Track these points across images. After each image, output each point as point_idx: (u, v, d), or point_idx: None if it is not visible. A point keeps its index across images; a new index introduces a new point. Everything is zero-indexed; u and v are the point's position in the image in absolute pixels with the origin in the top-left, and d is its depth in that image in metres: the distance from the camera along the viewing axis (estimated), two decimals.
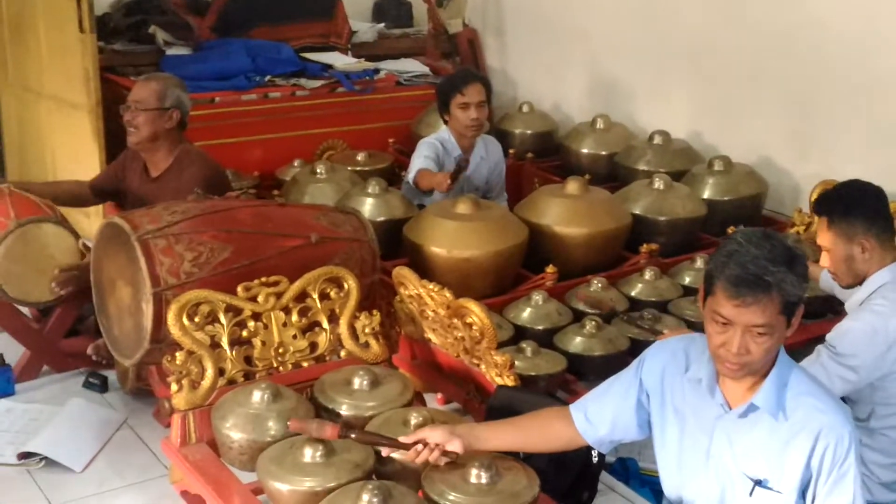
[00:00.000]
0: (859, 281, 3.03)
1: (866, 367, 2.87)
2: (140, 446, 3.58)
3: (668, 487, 2.49)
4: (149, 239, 3.13)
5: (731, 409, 2.32)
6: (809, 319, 3.69)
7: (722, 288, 2.17)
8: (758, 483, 2.28)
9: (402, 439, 2.53)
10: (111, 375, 3.94)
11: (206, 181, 3.75)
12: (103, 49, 5.33)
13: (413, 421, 2.73)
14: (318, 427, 2.60)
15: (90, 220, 5.00)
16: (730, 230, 4.13)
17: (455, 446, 2.49)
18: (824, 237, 3.02)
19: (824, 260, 3.05)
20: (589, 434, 2.52)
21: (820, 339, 3.52)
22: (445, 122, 4.57)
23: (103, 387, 3.92)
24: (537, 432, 2.58)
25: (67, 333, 4.06)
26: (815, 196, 4.25)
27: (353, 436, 2.59)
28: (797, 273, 2.17)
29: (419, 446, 2.49)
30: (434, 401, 3.73)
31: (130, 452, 3.54)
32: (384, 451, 2.60)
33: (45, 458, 3.43)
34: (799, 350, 3.03)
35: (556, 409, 2.62)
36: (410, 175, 4.42)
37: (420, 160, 4.38)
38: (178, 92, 3.94)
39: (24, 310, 4.08)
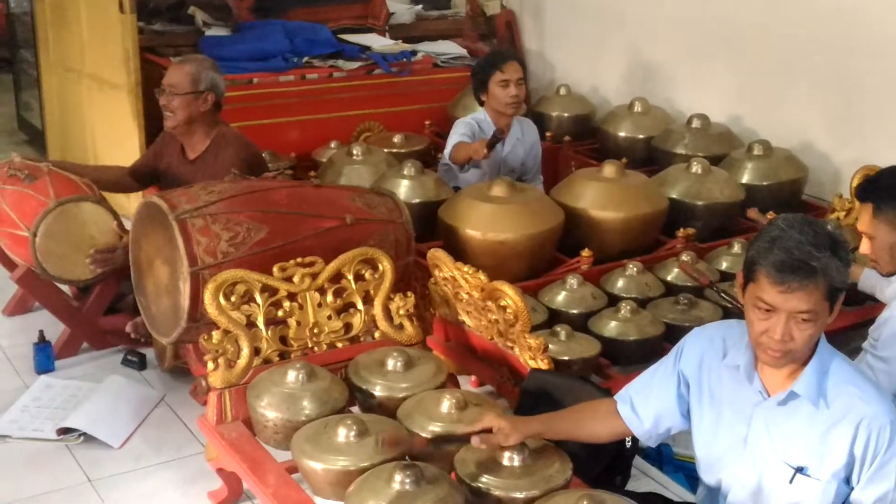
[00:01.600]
0: None
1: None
2: (177, 424, 3.63)
3: (704, 474, 2.47)
4: (186, 218, 3.16)
5: (769, 396, 2.29)
6: (849, 306, 3.65)
7: (766, 274, 2.15)
8: (798, 470, 2.26)
9: (474, 442, 2.49)
10: (149, 353, 4.00)
11: (242, 163, 3.78)
12: (143, 29, 5.37)
13: (447, 403, 2.74)
14: (408, 437, 2.59)
15: (129, 200, 5.04)
16: (768, 215, 4.07)
17: (512, 441, 2.49)
18: (868, 224, 2.95)
19: (864, 246, 2.99)
20: (635, 427, 2.51)
21: (858, 326, 3.51)
22: (481, 104, 4.57)
23: (141, 364, 3.98)
24: (592, 424, 2.57)
25: (106, 311, 4.13)
26: (856, 181, 4.20)
27: (440, 445, 2.61)
28: (841, 258, 2.14)
29: (476, 439, 2.48)
30: (468, 383, 3.74)
31: (167, 430, 3.59)
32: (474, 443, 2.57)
33: (84, 433, 3.50)
34: (837, 336, 3.00)
35: (606, 401, 2.61)
36: (447, 151, 4.42)
37: (456, 136, 4.41)
38: (211, 74, 3.95)
39: (64, 288, 4.15)
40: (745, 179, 4.54)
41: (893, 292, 3.02)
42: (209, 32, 5.55)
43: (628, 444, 2.89)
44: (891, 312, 2.89)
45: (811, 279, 2.11)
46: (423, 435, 2.66)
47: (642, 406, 2.49)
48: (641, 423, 2.50)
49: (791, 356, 2.21)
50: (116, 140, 5.22)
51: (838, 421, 2.21)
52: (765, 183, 4.54)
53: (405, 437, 2.57)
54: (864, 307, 3.67)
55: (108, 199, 4.08)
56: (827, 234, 2.15)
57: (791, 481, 2.27)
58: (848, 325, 3.60)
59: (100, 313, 4.09)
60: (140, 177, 4.26)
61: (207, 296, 3.02)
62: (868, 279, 3.41)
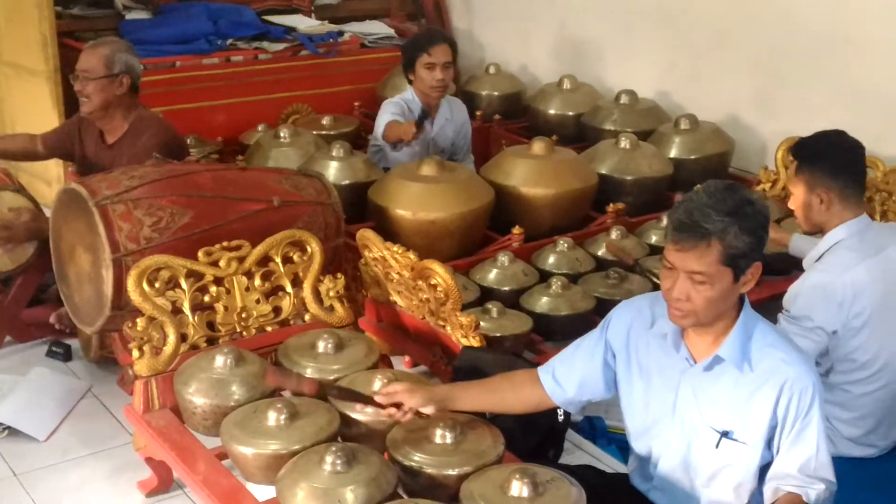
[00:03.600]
0: (815, 230, 3.03)
1: (819, 327, 2.86)
2: (104, 414, 3.56)
3: (636, 443, 2.49)
4: (107, 205, 3.09)
5: (695, 362, 2.32)
6: (775, 276, 3.70)
7: (668, 233, 2.23)
8: (724, 434, 2.28)
9: (378, 399, 2.51)
10: (74, 344, 3.91)
11: (162, 147, 3.69)
12: (61, 14, 5.24)
13: (378, 383, 2.72)
14: (297, 381, 2.56)
15: (51, 188, 4.93)
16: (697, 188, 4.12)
17: (429, 410, 2.50)
18: (790, 179, 3.04)
19: (792, 202, 3.05)
20: (557, 395, 2.52)
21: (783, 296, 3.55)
22: (410, 82, 4.53)
23: (66, 355, 3.89)
24: (509, 394, 2.58)
25: (30, 303, 4.02)
26: (780, 153, 4.26)
27: (334, 393, 2.58)
28: (744, 226, 2.16)
29: (393, 409, 2.48)
30: (402, 364, 3.72)
31: (94, 421, 3.52)
32: (357, 407, 2.59)
33: (8, 427, 3.41)
34: (763, 306, 3.03)
35: (526, 371, 2.62)
36: (378, 130, 4.39)
37: (387, 116, 4.37)
38: (125, 56, 3.85)
39: None
40: (672, 154, 4.58)
41: (810, 260, 3.05)
42: (130, 16, 5.43)
43: (561, 418, 2.91)
44: (801, 283, 2.93)
45: (703, 240, 2.16)
46: (359, 425, 2.65)
47: (565, 375, 2.50)
48: (564, 391, 2.51)
49: (694, 318, 2.24)
50: (36, 127, 5.01)
51: (762, 384, 2.24)
52: (692, 157, 4.59)
53: (292, 374, 2.55)
54: (792, 276, 3.71)
55: (29, 187, 3.98)
56: (740, 201, 2.18)
57: (717, 446, 2.29)
58: (774, 295, 3.64)
59: (23, 305, 3.99)
60: (52, 148, 4.13)
61: (131, 283, 2.96)
62: (797, 244, 3.46)
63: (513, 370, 2.70)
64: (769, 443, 2.27)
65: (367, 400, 2.54)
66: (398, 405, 2.48)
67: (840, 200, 2.92)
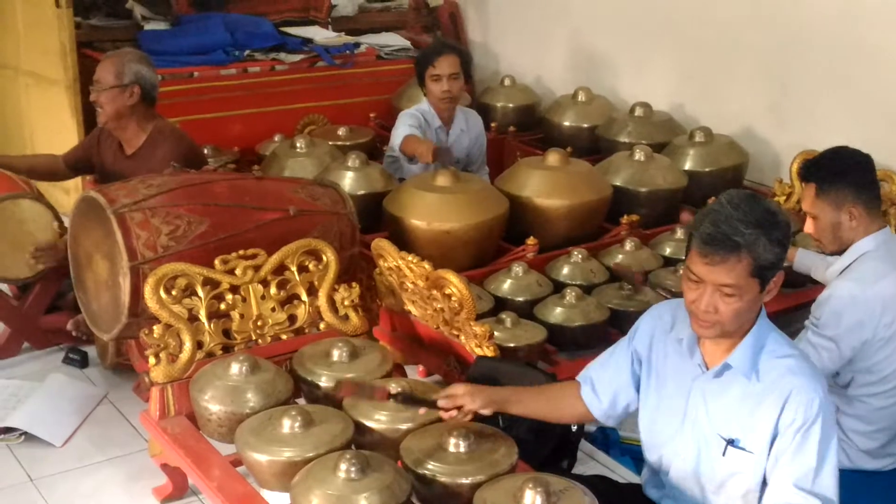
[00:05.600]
0: (844, 248, 3.01)
1: (846, 337, 2.86)
2: (120, 421, 3.59)
3: (648, 449, 2.49)
4: (125, 212, 3.12)
5: (708, 369, 2.32)
6: (791, 289, 3.70)
7: (695, 245, 2.20)
8: (730, 442, 2.28)
9: (441, 404, 2.51)
10: (91, 351, 3.94)
11: (180, 157, 3.72)
12: (80, 24, 5.29)
13: (392, 392, 2.73)
14: (369, 392, 2.55)
15: (69, 196, 4.97)
16: (684, 215, 4.17)
17: (488, 411, 2.51)
18: (811, 204, 2.99)
19: (808, 226, 3.03)
20: (594, 407, 2.52)
21: (801, 308, 3.55)
22: (426, 95, 4.56)
23: (83, 362, 3.92)
24: (562, 404, 2.58)
25: (47, 310, 4.05)
26: (795, 166, 4.26)
27: (399, 399, 2.59)
28: (772, 237, 2.16)
29: (454, 411, 2.50)
30: (415, 373, 3.74)
31: (110, 427, 3.55)
32: (421, 412, 2.60)
33: (25, 433, 3.44)
34: (778, 317, 3.04)
35: (571, 384, 2.61)
36: (396, 142, 4.41)
37: (405, 128, 4.38)
38: (136, 66, 3.88)
39: (4, 287, 4.07)
40: (687, 166, 4.58)
41: (834, 272, 3.05)
42: (148, 27, 5.48)
43: (574, 428, 2.92)
44: (831, 291, 2.92)
45: (734, 254, 2.15)
46: (372, 434, 2.65)
47: (601, 385, 2.51)
48: (600, 402, 2.51)
49: (720, 328, 2.23)
50: (55, 136, 5.13)
51: (769, 393, 2.24)
52: (707, 169, 4.59)
53: (366, 385, 2.54)
54: (806, 289, 3.72)
55: (46, 195, 4.02)
56: (764, 213, 2.18)
57: (724, 454, 2.29)
58: (789, 307, 3.65)
59: (40, 312, 4.02)
60: (74, 166, 4.19)
61: (148, 290, 2.98)
62: (803, 259, 3.46)
63: (527, 380, 2.71)
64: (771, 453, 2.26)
65: (430, 404, 2.55)
66: (459, 407, 2.50)
67: (867, 214, 2.93)
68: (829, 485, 2.20)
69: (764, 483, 2.27)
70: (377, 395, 2.55)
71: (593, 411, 2.53)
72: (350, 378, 2.59)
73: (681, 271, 3.63)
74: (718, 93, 5.04)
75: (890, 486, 2.92)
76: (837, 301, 2.88)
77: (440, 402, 2.51)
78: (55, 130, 5.15)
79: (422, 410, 2.61)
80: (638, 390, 2.48)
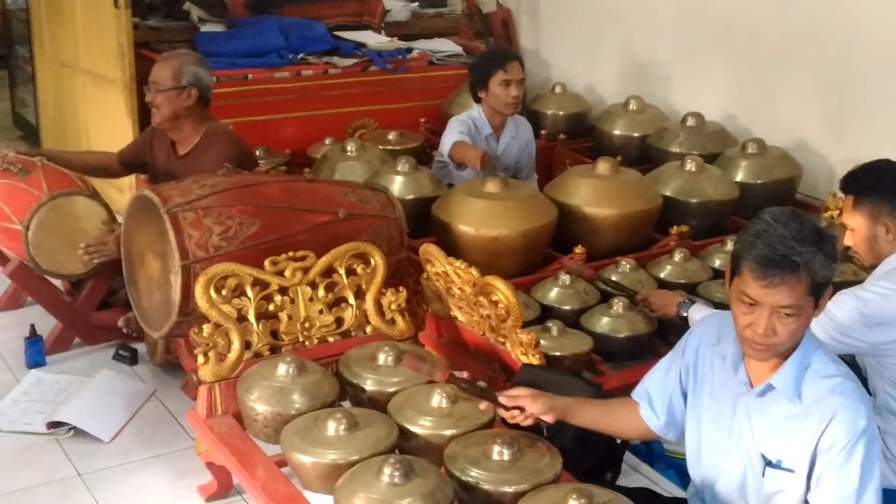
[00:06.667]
0: (880, 262, 2.98)
1: (855, 341, 2.81)
2: (167, 418, 3.63)
3: (693, 464, 2.46)
4: (178, 212, 3.16)
5: (752, 386, 2.29)
6: None
7: (749, 268, 2.14)
8: (773, 462, 2.25)
9: (502, 400, 2.51)
10: (141, 348, 4.00)
11: (232, 158, 3.76)
12: (138, 25, 5.36)
13: (437, 398, 2.74)
14: (430, 367, 2.52)
15: (123, 195, 5.05)
16: None
17: (549, 417, 2.49)
18: (849, 216, 2.96)
19: (848, 239, 3.00)
20: (653, 423, 2.50)
21: None
22: (477, 101, 4.55)
23: (133, 359, 3.97)
24: (623, 419, 2.55)
25: (99, 306, 4.12)
26: None
27: (462, 385, 2.59)
28: (826, 253, 2.13)
29: (516, 411, 2.49)
30: None
31: (158, 424, 3.59)
32: (482, 405, 2.59)
33: (74, 427, 3.49)
34: None
35: (630, 401, 2.58)
36: (445, 148, 4.41)
37: (454, 134, 4.38)
38: (194, 68, 3.93)
39: (57, 282, 4.14)
40: (738, 178, 4.54)
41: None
42: (204, 28, 5.54)
43: (619, 440, 2.89)
44: (848, 296, 2.85)
45: (793, 274, 2.10)
46: (417, 439, 2.66)
47: (657, 402, 2.49)
48: (658, 419, 2.49)
49: (775, 350, 2.20)
50: (111, 135, 5.21)
51: (812, 413, 2.20)
52: (759, 181, 4.54)
53: (429, 358, 2.52)
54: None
55: (101, 193, 4.08)
56: (813, 229, 2.14)
57: (764, 473, 2.26)
58: None
59: (92, 308, 4.09)
60: (128, 164, 4.26)
61: (198, 289, 3.02)
62: None
63: (572, 389, 2.69)
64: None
65: (492, 398, 2.54)
66: (521, 408, 2.49)
67: None
68: None
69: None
70: (439, 374, 2.51)
71: (652, 427, 2.50)
72: (416, 350, 2.55)
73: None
74: (772, 104, 4.98)
75: None
76: (852, 305, 2.81)
77: (502, 399, 2.50)
78: (111, 129, 5.23)
79: (483, 405, 2.59)
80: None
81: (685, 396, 2.45)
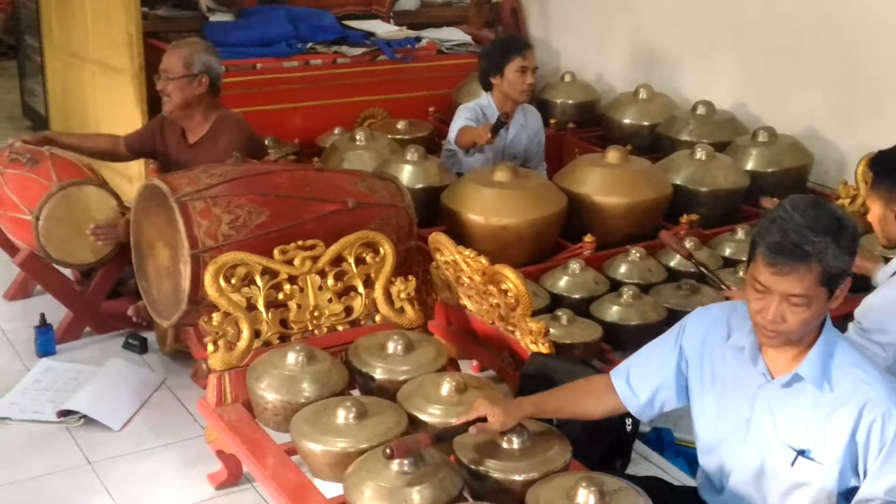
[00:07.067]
0: (892, 244, 2.98)
1: (892, 342, 2.81)
2: (177, 407, 3.63)
3: (705, 454, 2.45)
4: (187, 201, 3.15)
5: (773, 378, 2.28)
6: (854, 293, 3.63)
7: (761, 254, 2.14)
8: (801, 453, 2.24)
9: (471, 431, 2.47)
10: (150, 337, 4.00)
11: (242, 147, 3.75)
12: (147, 14, 5.36)
13: (446, 387, 2.73)
14: (415, 444, 2.47)
15: (132, 184, 5.05)
16: (764, 201, 4.05)
17: (508, 425, 2.48)
18: (868, 194, 3.02)
19: (871, 216, 3.02)
20: (630, 402, 2.49)
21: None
22: (487, 89, 4.54)
23: (142, 348, 3.98)
24: (585, 400, 2.55)
25: (108, 295, 4.12)
26: (861, 168, 4.18)
27: (438, 442, 2.52)
28: (841, 244, 2.11)
29: (474, 429, 2.47)
30: (469, 367, 3.74)
31: (168, 412, 3.60)
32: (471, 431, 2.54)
33: (84, 416, 3.50)
34: (841, 320, 2.98)
35: (600, 377, 2.60)
36: (452, 135, 4.41)
37: (461, 121, 4.40)
38: (205, 57, 3.92)
39: (66, 272, 4.14)
40: (749, 166, 4.53)
41: (884, 275, 3.01)
42: (213, 18, 5.54)
43: (629, 428, 2.89)
44: (877, 296, 2.88)
45: (804, 263, 2.09)
46: (426, 432, 2.64)
47: (639, 381, 2.48)
48: (637, 397, 2.48)
49: (785, 337, 2.19)
50: (120, 125, 5.18)
51: (842, 404, 2.19)
52: (769, 170, 4.52)
53: (412, 441, 2.53)
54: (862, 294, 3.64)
55: (110, 182, 4.08)
56: (832, 218, 2.12)
57: (793, 464, 2.25)
58: (851, 311, 3.57)
59: (102, 297, 4.09)
60: (135, 150, 4.25)
61: (208, 278, 3.02)
62: (883, 276, 3.38)
63: (580, 378, 2.69)
64: (850, 465, 2.21)
65: (463, 429, 2.50)
66: (483, 419, 2.47)
67: None
68: None
69: (833, 495, 2.24)
70: (422, 443, 2.49)
71: (629, 405, 2.50)
72: (396, 440, 2.54)
73: (741, 272, 3.62)
74: (783, 92, 4.96)
75: None
76: (881, 306, 2.84)
77: (471, 430, 2.47)
78: (120, 119, 5.22)
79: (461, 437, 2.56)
80: (681, 390, 2.45)
81: (684, 387, 2.44)
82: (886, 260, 3.11)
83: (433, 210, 4.08)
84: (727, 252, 3.96)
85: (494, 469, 2.46)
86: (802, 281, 2.11)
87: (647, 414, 2.52)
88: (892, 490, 2.16)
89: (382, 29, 5.79)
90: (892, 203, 2.89)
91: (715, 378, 2.38)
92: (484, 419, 2.45)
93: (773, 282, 2.13)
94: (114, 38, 5.15)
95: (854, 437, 2.18)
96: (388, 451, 2.36)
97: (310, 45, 5.49)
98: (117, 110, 5.26)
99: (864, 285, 3.53)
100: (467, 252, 3.31)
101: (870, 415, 2.16)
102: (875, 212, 2.95)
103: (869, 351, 2.80)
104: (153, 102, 4.88)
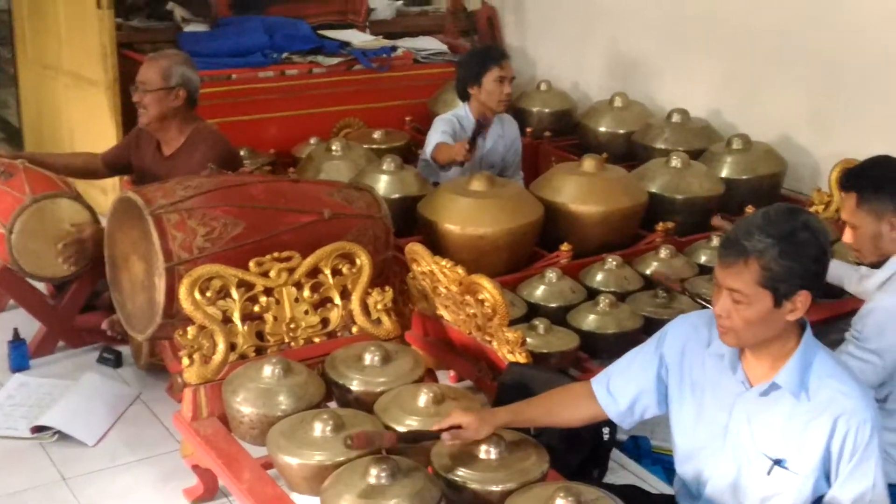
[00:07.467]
0: (883, 259, 2.96)
1: (889, 350, 2.81)
2: (153, 421, 3.60)
3: (682, 462, 2.46)
4: (162, 213, 3.13)
5: (751, 386, 2.29)
6: (828, 299, 3.66)
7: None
8: (777, 462, 2.25)
9: (444, 438, 2.47)
10: (125, 351, 3.97)
11: (217, 159, 3.73)
12: (121, 25, 5.34)
13: (423, 398, 2.73)
14: (379, 440, 2.51)
15: (107, 197, 5.01)
16: (715, 220, 4.13)
17: (482, 434, 2.47)
18: (852, 214, 2.94)
19: (847, 236, 2.99)
20: (610, 409, 2.50)
21: (839, 319, 3.50)
22: (464, 99, 4.54)
23: (117, 362, 3.95)
24: (564, 409, 2.56)
25: (82, 309, 4.09)
26: (834, 175, 4.20)
27: (404, 446, 2.57)
28: (786, 251, 2.12)
29: (447, 436, 2.46)
30: (446, 378, 3.73)
31: (143, 427, 3.57)
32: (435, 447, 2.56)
33: (59, 431, 3.47)
34: (816, 328, 2.99)
35: (579, 385, 2.60)
36: (428, 149, 4.40)
37: (437, 135, 4.37)
38: (183, 69, 3.90)
39: (40, 285, 4.11)
40: (724, 173, 4.55)
41: (874, 284, 3.01)
42: (188, 28, 5.52)
43: (606, 437, 2.89)
44: (874, 304, 2.88)
45: (741, 258, 2.15)
46: (395, 430, 2.64)
47: (619, 388, 2.48)
48: (617, 404, 2.48)
49: (735, 336, 2.22)
50: (94, 137, 5.18)
51: (818, 414, 2.20)
52: (744, 177, 4.54)
53: (375, 435, 2.54)
54: (843, 300, 3.67)
55: (85, 195, 4.05)
56: (792, 226, 2.14)
57: (769, 473, 2.26)
58: (825, 318, 3.60)
59: (76, 311, 4.06)
60: (112, 165, 4.22)
61: (183, 291, 3.00)
62: (835, 270, 3.40)
63: (558, 387, 2.69)
64: (825, 476, 2.23)
65: (435, 437, 2.51)
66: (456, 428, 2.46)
67: None
68: (883, 499, 2.21)
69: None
70: (386, 441, 2.51)
71: (609, 413, 2.50)
72: (359, 431, 2.55)
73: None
74: (757, 100, 4.99)
75: None
76: (881, 314, 2.83)
77: (444, 437, 2.47)
78: (94, 130, 5.20)
79: (431, 446, 2.57)
80: (661, 397, 2.45)
81: (661, 390, 2.45)
82: (870, 265, 3.10)
83: (410, 220, 4.07)
84: (702, 259, 3.98)
85: (472, 480, 2.45)
86: (740, 276, 2.15)
87: (627, 421, 2.52)
88: (859, 499, 2.18)
89: (358, 38, 5.78)
90: (885, 216, 2.88)
91: (694, 386, 2.38)
92: (458, 428, 2.45)
93: (720, 275, 2.20)
94: (88, 49, 5.13)
95: (829, 447, 2.19)
96: (348, 440, 2.39)
97: (285, 54, 5.48)
98: (91, 122, 5.24)
99: (836, 290, 3.56)
100: (444, 262, 3.31)
101: (844, 425, 2.17)
102: (864, 230, 2.91)
103: (862, 361, 2.81)
104: (128, 114, 4.86)
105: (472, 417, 2.45)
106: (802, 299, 2.17)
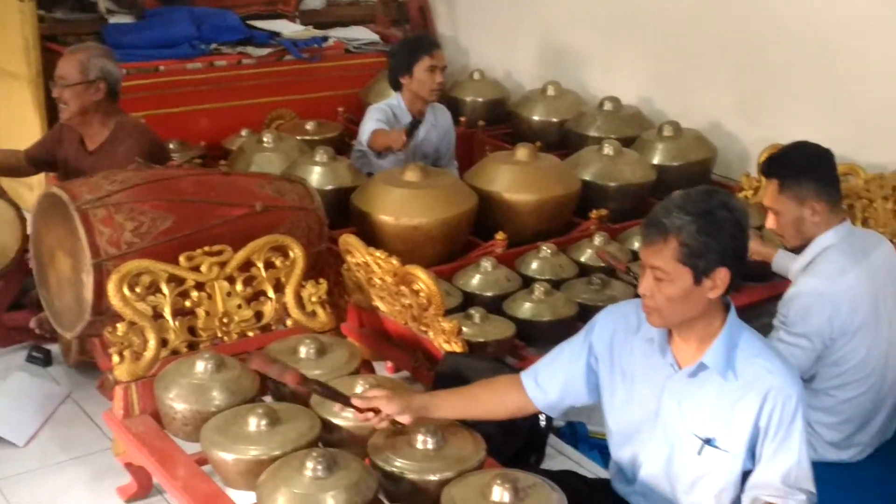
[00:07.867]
0: (806, 243, 3.01)
1: (817, 332, 2.87)
2: (84, 420, 3.55)
3: (617, 449, 2.49)
4: (88, 209, 3.08)
5: (680, 368, 2.32)
6: (758, 282, 3.72)
7: None
8: (707, 442, 2.28)
9: (355, 402, 2.49)
10: (55, 349, 3.90)
11: (143, 154, 3.66)
12: (44, 18, 5.20)
13: (359, 389, 2.71)
14: (280, 370, 2.50)
15: (33, 193, 4.90)
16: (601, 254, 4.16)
17: (405, 419, 2.48)
18: (773, 199, 2.99)
19: (770, 221, 3.04)
20: (539, 400, 2.51)
21: (769, 301, 3.56)
22: (397, 89, 4.52)
23: (46, 360, 3.88)
24: (489, 399, 2.57)
25: (10, 307, 4.00)
26: (762, 161, 4.26)
27: (315, 388, 2.53)
28: (703, 227, 2.17)
29: (370, 413, 2.46)
30: (384, 369, 3.72)
31: (74, 426, 3.51)
32: (336, 407, 2.59)
33: None
34: (746, 311, 3.04)
35: (507, 377, 2.62)
36: (363, 138, 4.38)
37: (372, 123, 4.35)
38: (102, 62, 3.82)
39: None
40: (655, 160, 4.59)
41: (798, 267, 3.06)
42: (113, 20, 5.40)
43: (543, 424, 2.91)
44: (798, 288, 2.93)
45: (662, 236, 2.19)
46: (341, 431, 2.63)
47: (548, 378, 2.50)
48: (546, 395, 2.50)
49: (659, 315, 2.26)
50: (18, 132, 5.06)
51: (746, 393, 2.24)
52: (675, 163, 4.60)
53: (278, 364, 2.49)
54: (772, 283, 3.73)
55: (10, 191, 3.96)
56: (710, 204, 2.19)
57: (700, 453, 2.29)
58: (757, 301, 3.66)
59: (3, 309, 3.97)
60: (36, 162, 4.12)
61: (111, 287, 2.95)
62: (781, 261, 3.46)
63: (495, 376, 2.70)
64: (749, 452, 2.27)
65: (346, 401, 2.51)
66: (376, 410, 2.47)
67: (829, 208, 2.93)
68: (809, 477, 2.25)
69: (739, 482, 2.28)
70: (288, 377, 2.46)
71: (538, 403, 2.52)
72: (264, 353, 2.52)
73: None
74: (687, 87, 5.05)
75: (855, 477, 2.94)
76: (805, 298, 2.88)
77: (355, 402, 2.48)
78: (18, 126, 5.08)
79: (336, 407, 2.59)
80: (591, 387, 2.48)
81: (591, 379, 2.47)
82: (792, 250, 3.15)
83: (344, 211, 4.04)
84: (636, 246, 4.01)
85: (409, 470, 2.45)
86: (661, 253, 2.20)
87: (555, 410, 2.54)
88: (787, 475, 2.22)
89: (288, 29, 5.72)
90: (806, 201, 2.92)
91: (625, 372, 2.41)
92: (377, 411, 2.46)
93: (643, 254, 2.27)
94: (9, 42, 5.00)
95: (757, 423, 2.24)
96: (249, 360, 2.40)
97: (214, 45, 5.39)
98: (15, 118, 5.12)
99: (765, 273, 3.62)
100: (378, 253, 3.29)
101: (771, 401, 2.22)
102: (787, 216, 2.96)
103: (793, 346, 2.86)
104: (52, 108, 4.72)
105: (388, 391, 2.48)
106: (722, 276, 2.21)
